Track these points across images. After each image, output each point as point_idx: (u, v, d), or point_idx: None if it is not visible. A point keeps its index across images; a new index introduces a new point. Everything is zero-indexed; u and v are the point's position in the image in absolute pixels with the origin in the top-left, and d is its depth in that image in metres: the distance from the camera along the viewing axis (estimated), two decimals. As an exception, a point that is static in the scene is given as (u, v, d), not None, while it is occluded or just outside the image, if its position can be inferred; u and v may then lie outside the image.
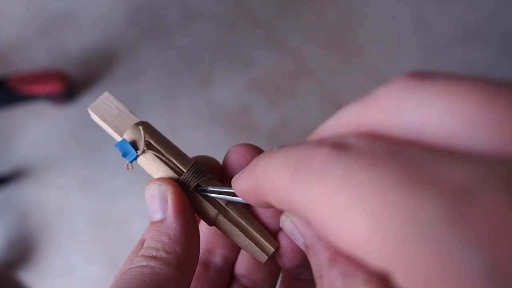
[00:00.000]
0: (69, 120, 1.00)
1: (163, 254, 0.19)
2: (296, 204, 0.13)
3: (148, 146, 0.22)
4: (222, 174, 0.23)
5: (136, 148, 0.22)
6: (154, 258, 0.19)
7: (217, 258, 0.24)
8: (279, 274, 0.25)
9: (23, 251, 0.94)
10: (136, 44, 1.08)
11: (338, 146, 0.13)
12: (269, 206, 0.16)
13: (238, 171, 0.20)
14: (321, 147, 0.13)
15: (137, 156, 0.22)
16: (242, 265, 0.24)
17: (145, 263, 0.19)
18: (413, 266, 0.10)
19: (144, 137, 0.22)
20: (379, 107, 0.13)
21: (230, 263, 0.24)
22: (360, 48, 1.09)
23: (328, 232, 0.12)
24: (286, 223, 0.18)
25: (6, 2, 1.11)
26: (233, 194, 0.20)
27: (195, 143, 1.00)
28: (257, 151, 0.22)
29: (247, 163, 0.20)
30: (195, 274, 0.22)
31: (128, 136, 0.22)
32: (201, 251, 0.24)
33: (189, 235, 0.20)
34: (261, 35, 1.10)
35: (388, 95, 0.13)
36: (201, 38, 1.09)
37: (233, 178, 0.18)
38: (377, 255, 0.11)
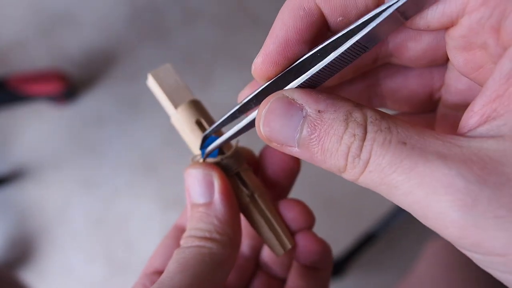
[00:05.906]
0: (69, 120, 1.00)
1: (217, 236, 0.20)
2: None
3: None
4: (257, 167, 0.25)
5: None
6: (210, 239, 0.20)
7: (245, 247, 0.26)
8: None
9: (23, 250, 0.94)
10: (136, 44, 1.08)
11: None
12: None
13: (273, 167, 0.23)
14: None
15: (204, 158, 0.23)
16: (266, 254, 0.26)
17: (201, 244, 0.20)
18: None
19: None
20: None
21: (256, 252, 0.26)
22: (360, 48, 1.09)
23: None
24: None
25: (6, 2, 1.11)
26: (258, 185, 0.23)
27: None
28: None
29: (282, 162, 0.24)
30: None
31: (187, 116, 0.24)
32: None
33: (235, 217, 0.21)
34: (261, 35, 1.10)
35: None
36: (201, 38, 1.09)
37: None
38: None
